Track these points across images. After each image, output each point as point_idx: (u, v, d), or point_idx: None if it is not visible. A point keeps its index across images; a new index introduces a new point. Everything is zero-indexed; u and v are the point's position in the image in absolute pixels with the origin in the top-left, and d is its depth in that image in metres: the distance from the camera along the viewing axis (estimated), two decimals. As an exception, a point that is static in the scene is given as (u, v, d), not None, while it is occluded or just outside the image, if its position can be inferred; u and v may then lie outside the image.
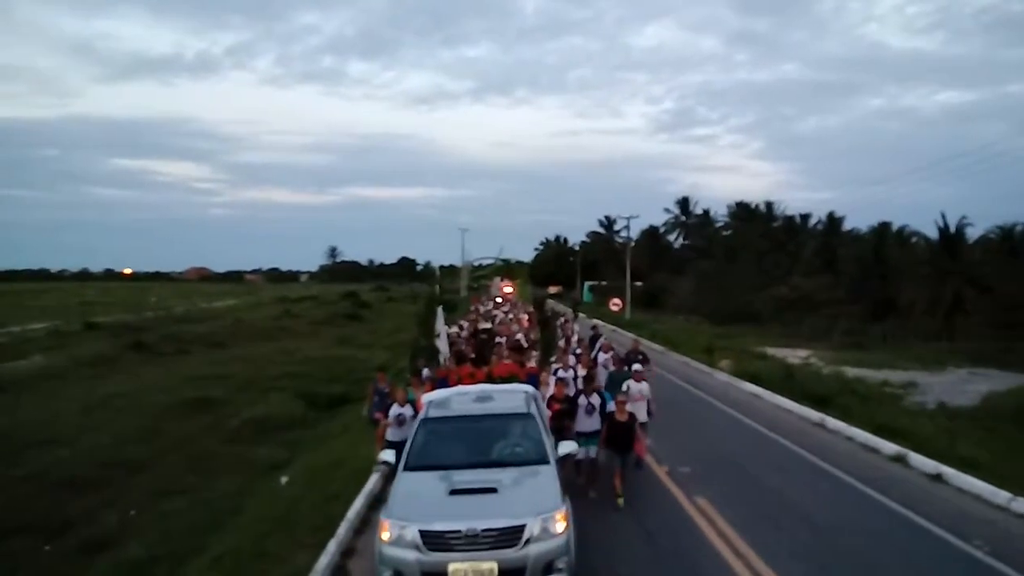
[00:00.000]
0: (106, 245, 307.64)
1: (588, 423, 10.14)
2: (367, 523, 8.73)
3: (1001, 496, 9.82)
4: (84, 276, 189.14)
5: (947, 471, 11.13)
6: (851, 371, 27.74)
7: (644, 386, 11.69)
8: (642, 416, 11.10)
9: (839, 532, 9.09)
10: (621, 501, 9.67)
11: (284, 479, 13.04)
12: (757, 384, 20.57)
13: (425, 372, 13.00)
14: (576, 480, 9.77)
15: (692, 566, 7.93)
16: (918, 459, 11.86)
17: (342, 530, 8.60)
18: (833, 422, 15.23)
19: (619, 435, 9.76)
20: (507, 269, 73.13)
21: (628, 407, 10.15)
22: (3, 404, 22.84)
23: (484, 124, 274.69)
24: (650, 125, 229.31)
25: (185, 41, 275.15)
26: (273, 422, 19.36)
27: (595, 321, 31.73)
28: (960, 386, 26.80)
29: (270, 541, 8.61)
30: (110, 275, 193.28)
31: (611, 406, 10.17)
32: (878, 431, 13.91)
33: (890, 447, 12.67)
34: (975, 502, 10.06)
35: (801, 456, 12.98)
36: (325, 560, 7.67)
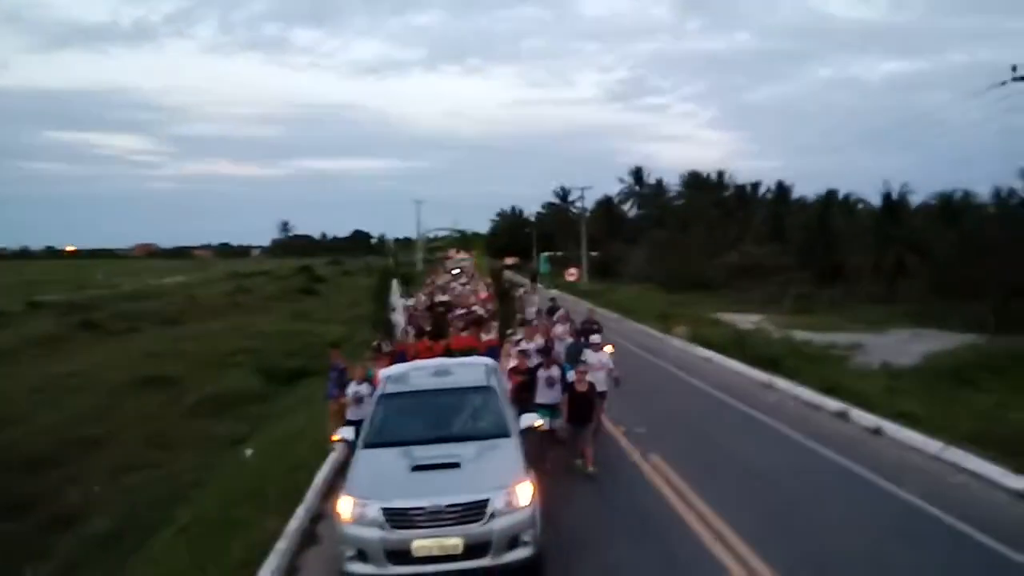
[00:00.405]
0: (46, 222, 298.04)
1: (548, 395, 10.06)
2: (334, 489, 8.91)
3: (933, 446, 10.49)
4: (24, 255, 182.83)
5: (886, 425, 11.78)
6: (800, 334, 28.62)
7: (603, 355, 11.56)
8: (602, 386, 10.89)
9: (783, 482, 9.65)
10: (593, 469, 9.68)
11: (248, 452, 13.13)
12: (708, 348, 21.18)
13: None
14: (543, 456, 9.42)
15: (646, 518, 8.33)
16: (859, 414, 12.52)
17: (310, 496, 8.79)
18: (780, 382, 15.89)
19: (581, 406, 9.73)
20: (463, 241, 73.17)
21: (588, 377, 10.06)
22: (-50, 386, 22.35)
23: (436, 94, 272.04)
24: (603, 94, 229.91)
25: (121, 8, 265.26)
26: (232, 397, 19.36)
27: (553, 292, 32.17)
28: (902, 347, 27.89)
29: (238, 509, 8.76)
30: (52, 253, 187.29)
31: (571, 376, 10.10)
32: (825, 391, 14.53)
33: (833, 404, 13.32)
34: (910, 452, 10.71)
35: (749, 415, 13.57)
36: (295, 524, 7.86)
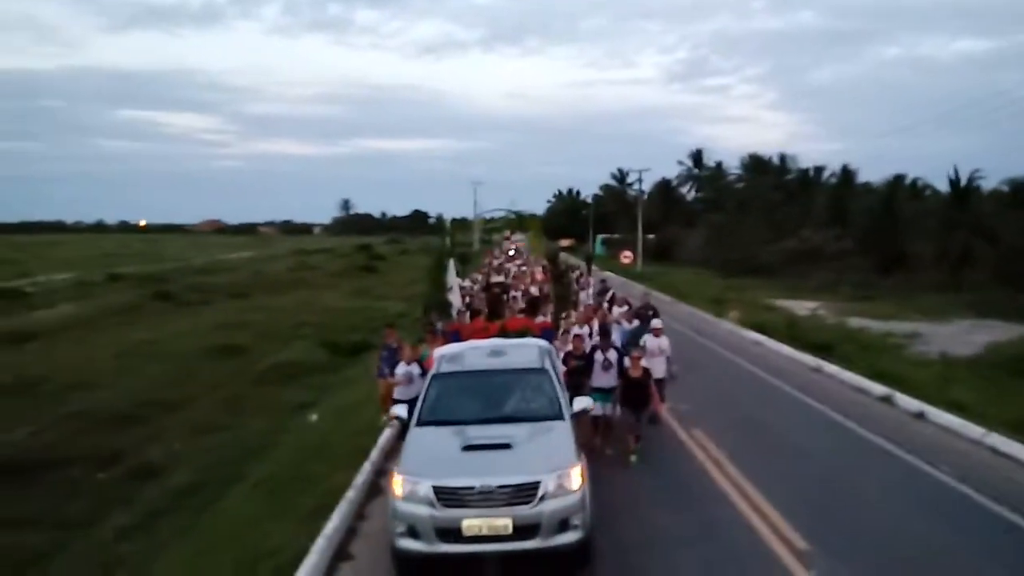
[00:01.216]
0: (118, 197, 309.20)
1: (605, 379, 9.91)
2: (396, 450, 9.57)
3: (975, 431, 10.66)
4: (99, 228, 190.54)
5: (929, 410, 11.95)
6: (856, 322, 28.41)
7: (663, 341, 11.33)
8: (660, 372, 10.74)
9: (820, 458, 10.07)
10: (634, 459, 9.64)
11: (314, 416, 14.02)
12: (762, 333, 21.34)
13: (438, 326, 12.60)
14: (594, 441, 9.61)
15: (687, 490, 8.80)
16: (903, 399, 12.69)
17: (375, 454, 9.52)
18: (829, 367, 16.05)
19: (634, 391, 9.59)
20: (519, 222, 73.57)
21: (645, 363, 9.90)
22: (37, 350, 24.04)
23: (494, 74, 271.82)
24: (663, 75, 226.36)
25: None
26: (298, 367, 20.38)
27: (605, 274, 32.38)
28: (963, 336, 27.46)
29: (308, 466, 9.58)
30: (125, 227, 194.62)
31: (627, 362, 9.90)
32: (875, 377, 14.67)
33: (879, 389, 13.50)
34: (951, 436, 10.91)
35: (794, 396, 13.89)
36: (362, 478, 8.59)
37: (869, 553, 7.00)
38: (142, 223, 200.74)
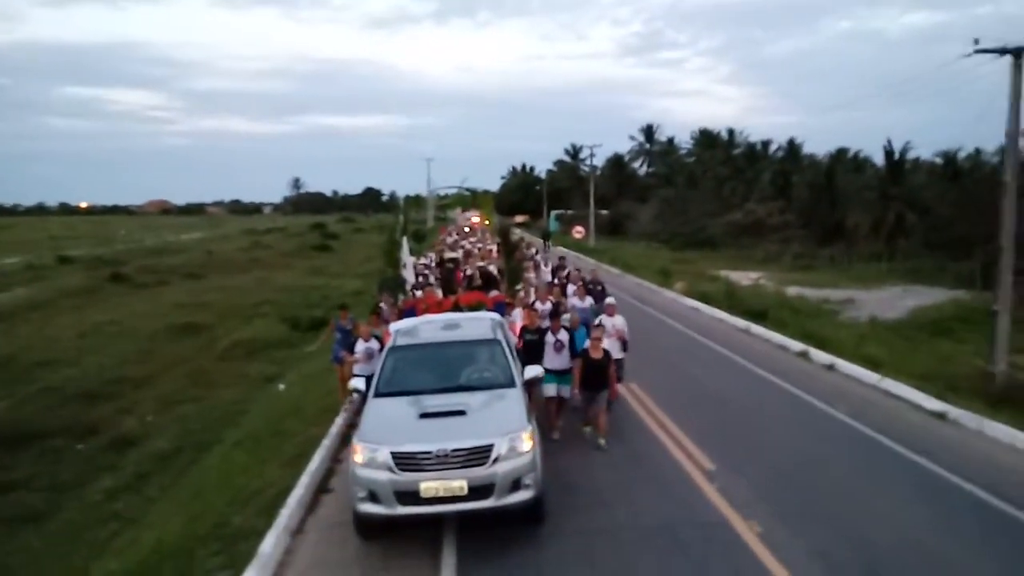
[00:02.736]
0: (60, 178, 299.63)
1: (557, 360, 9.79)
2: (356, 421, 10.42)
3: (872, 377, 12.13)
4: (40, 211, 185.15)
5: (838, 362, 13.40)
6: (796, 290, 30.14)
7: (618, 320, 11.15)
8: (617, 353, 10.62)
9: (735, 401, 11.52)
10: (603, 442, 9.45)
11: (281, 386, 14.87)
12: (704, 302, 22.70)
13: (383, 308, 12.17)
14: (549, 430, 9.53)
15: (618, 429, 9.88)
16: (818, 354, 14.16)
17: (343, 411, 10.47)
18: (756, 328, 17.47)
19: (594, 372, 9.43)
20: (472, 199, 74.26)
21: (604, 343, 9.79)
22: (1, 332, 24.24)
23: (447, 48, 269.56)
24: (617, 49, 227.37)
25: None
26: (260, 343, 21.08)
27: (561, 251, 33.39)
28: (893, 302, 29.43)
29: (283, 423, 10.51)
30: (66, 209, 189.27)
31: (586, 343, 9.80)
32: (803, 338, 16.08)
33: (797, 346, 14.96)
34: (853, 383, 12.42)
35: (721, 353, 15.38)
36: (334, 429, 9.54)
37: (761, 470, 8.42)
38: (83, 205, 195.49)
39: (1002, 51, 14.43)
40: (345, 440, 9.02)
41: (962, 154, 49.96)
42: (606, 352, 9.62)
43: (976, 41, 14.54)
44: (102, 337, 22.85)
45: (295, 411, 11.15)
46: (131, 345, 21.54)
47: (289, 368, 17.58)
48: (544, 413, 9.43)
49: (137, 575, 6.56)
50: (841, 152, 63.86)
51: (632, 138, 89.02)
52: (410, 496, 6.54)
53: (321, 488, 7.99)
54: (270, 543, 6.47)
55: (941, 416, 10.22)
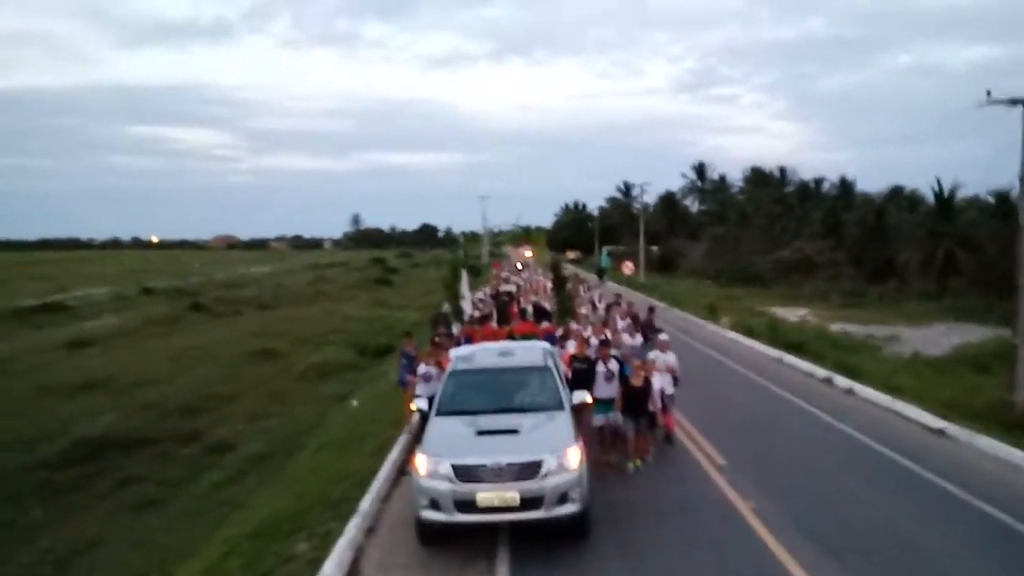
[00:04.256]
0: (131, 213, 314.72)
1: (607, 389, 10.14)
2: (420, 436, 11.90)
3: (886, 400, 13.36)
4: (114, 245, 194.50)
5: (856, 387, 14.64)
6: (840, 326, 30.98)
7: (670, 356, 11.45)
8: (668, 388, 11.02)
9: (754, 417, 13.07)
10: (631, 465, 9.95)
11: (355, 402, 16.71)
12: (746, 336, 23.90)
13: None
14: (600, 456, 9.98)
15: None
16: (841, 380, 15.42)
17: (406, 430, 12.09)
18: (789, 358, 18.71)
19: (634, 399, 9.92)
20: (525, 235, 76.39)
21: (657, 379, 10.40)
22: (97, 355, 26.88)
23: (503, 87, 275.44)
24: (671, 85, 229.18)
25: (201, 5, 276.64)
26: (332, 367, 23.10)
27: (615, 287, 34.87)
28: (938, 339, 29.96)
29: (361, 429, 12.28)
30: (139, 243, 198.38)
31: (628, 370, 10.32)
32: (838, 369, 17.27)
33: (822, 372, 16.22)
34: (868, 405, 13.73)
35: (750, 377, 16.92)
36: (406, 435, 11.18)
37: (764, 467, 9.97)
38: (154, 239, 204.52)
39: (1012, 101, 15.60)
40: (418, 440, 10.23)
41: (1015, 192, 49.83)
42: (647, 380, 10.12)
43: (988, 92, 15.75)
44: (189, 360, 25.20)
45: (370, 421, 12.92)
46: (215, 368, 23.79)
47: (359, 388, 19.45)
48: (594, 440, 9.98)
49: (259, 534, 8.28)
50: (895, 190, 64.08)
51: (684, 176, 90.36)
52: (468, 505, 7.25)
53: (401, 471, 9.70)
54: (367, 503, 8.20)
55: (940, 432, 11.46)
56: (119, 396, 19.99)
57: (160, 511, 11.85)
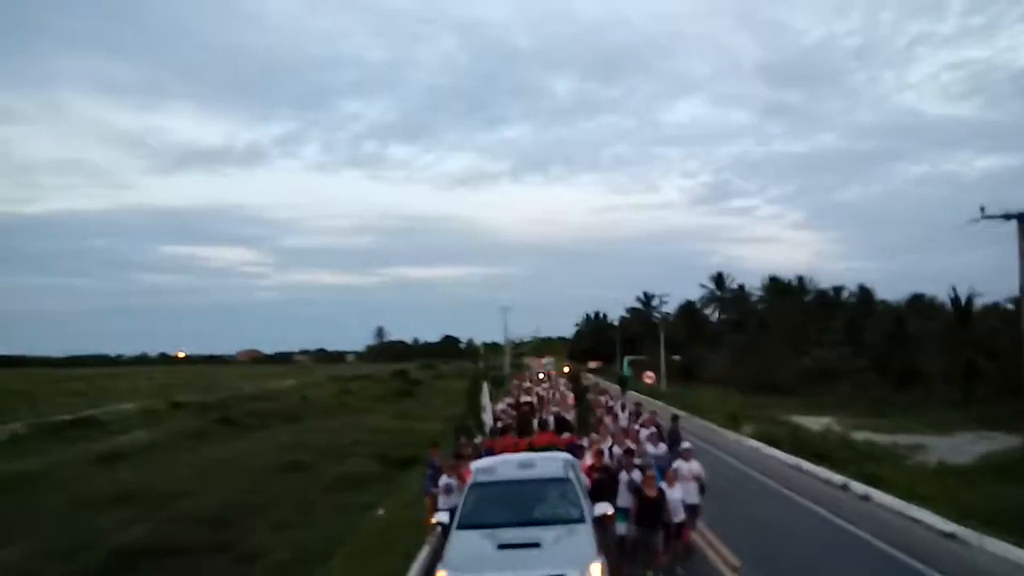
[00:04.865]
0: (157, 329, 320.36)
1: (631, 499, 10.20)
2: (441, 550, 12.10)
3: (900, 505, 13.67)
4: (142, 360, 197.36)
5: (874, 493, 14.92)
6: (865, 435, 30.95)
7: (694, 465, 11.45)
8: (693, 498, 11.00)
9: (769, 520, 13.59)
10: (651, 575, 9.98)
11: (381, 511, 17.13)
12: (768, 444, 24.11)
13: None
14: (623, 566, 9.94)
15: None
16: (856, 486, 15.71)
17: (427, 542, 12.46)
18: (807, 465, 19.00)
19: (648, 510, 9.88)
20: (546, 346, 77.08)
21: (678, 487, 10.43)
22: (129, 468, 27.50)
23: (522, 203, 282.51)
24: (687, 198, 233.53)
25: (235, 132, 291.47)
26: (358, 477, 23.51)
27: (635, 396, 35.25)
28: (963, 447, 29.82)
29: (388, 536, 12.75)
30: (166, 359, 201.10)
31: (662, 484, 10.34)
32: (859, 477, 17.49)
33: (839, 479, 16.47)
34: (881, 510, 14.10)
35: (767, 483, 17.55)
36: (433, 540, 11.66)
37: (777, 568, 10.44)
38: (181, 354, 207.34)
39: (1006, 216, 16.61)
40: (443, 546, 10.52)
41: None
42: (660, 491, 10.11)
43: (982, 209, 16.78)
44: (218, 472, 25.70)
45: (397, 528, 13.41)
46: (245, 479, 24.26)
47: (385, 498, 19.84)
48: (618, 550, 10.04)
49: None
50: (916, 297, 64.65)
51: (702, 286, 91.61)
52: None
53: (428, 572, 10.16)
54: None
55: (951, 536, 11.75)
56: (152, 508, 20.44)
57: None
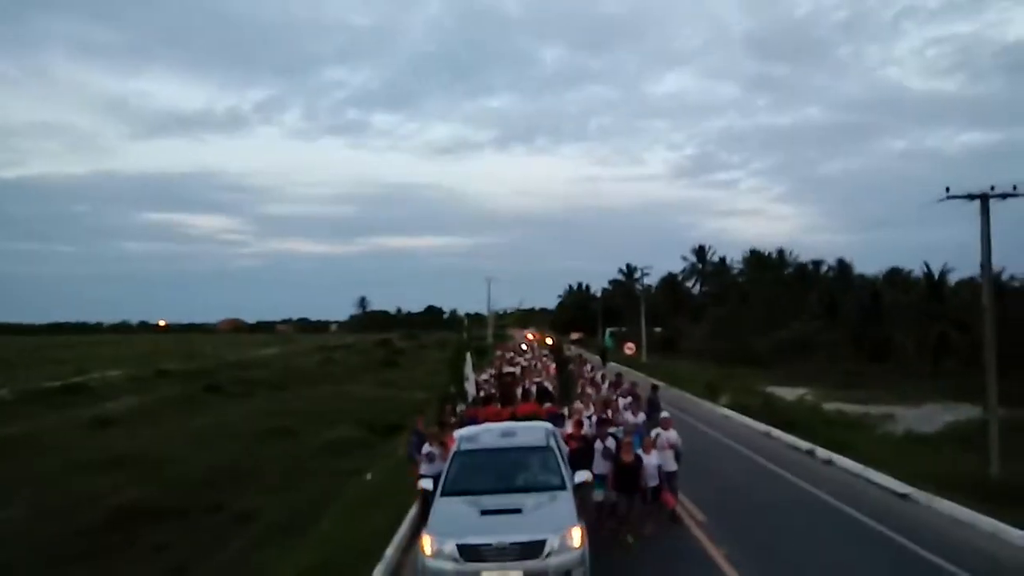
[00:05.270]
0: (138, 297, 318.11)
1: (605, 466, 10.56)
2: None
3: (858, 467, 14.58)
4: (123, 328, 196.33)
5: (837, 458, 15.82)
6: (837, 405, 32.03)
7: (672, 434, 11.80)
8: (671, 464, 11.34)
9: (736, 482, 14.53)
10: (630, 539, 10.31)
11: (368, 476, 17.81)
12: (741, 413, 25.00)
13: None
14: (600, 529, 10.31)
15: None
16: (821, 452, 16.59)
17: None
18: (776, 432, 19.88)
19: (625, 476, 10.24)
20: (529, 317, 77.86)
21: (654, 454, 10.76)
22: (120, 434, 28.02)
23: (506, 173, 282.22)
24: (672, 171, 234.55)
25: (216, 98, 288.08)
26: (344, 444, 24.18)
27: (617, 367, 36.10)
28: (931, 417, 31.00)
29: (379, 499, 13.43)
30: (146, 327, 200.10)
31: (639, 451, 10.73)
32: (828, 444, 18.37)
33: (806, 446, 17.38)
34: (843, 473, 14.98)
35: (737, 449, 18.45)
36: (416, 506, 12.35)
37: (738, 521, 11.35)
38: (162, 323, 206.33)
39: (970, 196, 17.23)
40: (416, 530, 10.62)
41: (1006, 274, 51.53)
42: (637, 457, 10.52)
43: (947, 189, 17.38)
44: (207, 438, 26.27)
45: (385, 491, 14.12)
46: (234, 445, 24.86)
47: (372, 464, 20.52)
48: (595, 517, 10.42)
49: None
50: (893, 271, 65.95)
51: (684, 259, 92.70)
52: None
53: (415, 531, 10.83)
54: (390, 552, 9.49)
55: (904, 496, 12.63)
56: (144, 471, 21.02)
57: (196, 573, 12.90)
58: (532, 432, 9.94)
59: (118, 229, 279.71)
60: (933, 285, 49.89)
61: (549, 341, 52.12)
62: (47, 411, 33.21)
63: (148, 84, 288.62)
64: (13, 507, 17.35)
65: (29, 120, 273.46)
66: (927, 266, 50.36)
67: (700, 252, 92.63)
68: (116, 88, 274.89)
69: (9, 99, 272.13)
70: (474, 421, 12.26)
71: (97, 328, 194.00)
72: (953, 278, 52.33)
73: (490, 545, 7.59)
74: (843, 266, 73.35)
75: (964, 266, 53.38)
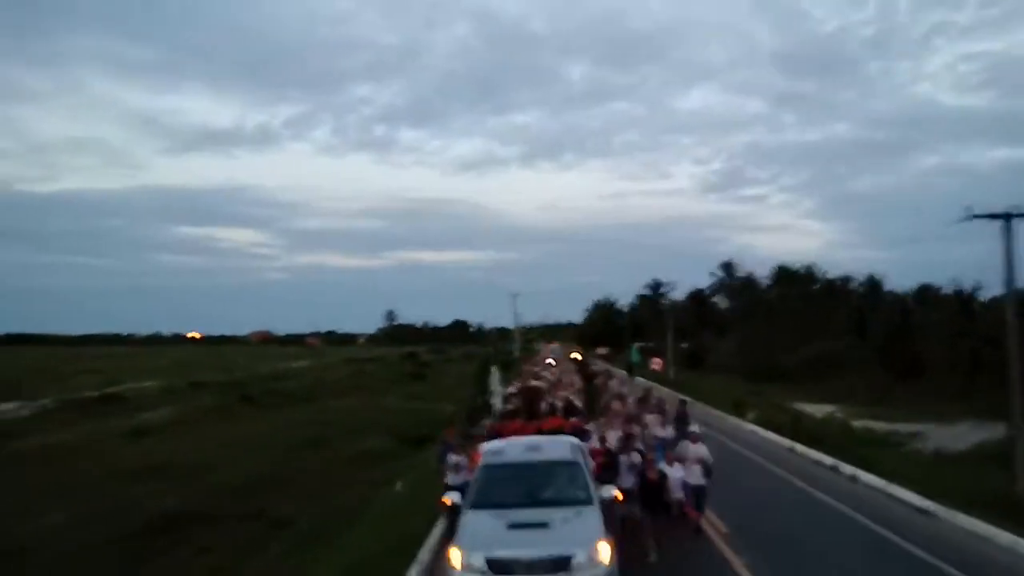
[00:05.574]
0: (170, 309, 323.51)
1: (628, 480, 10.57)
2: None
3: (880, 483, 14.77)
4: (156, 340, 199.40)
5: (861, 474, 15.94)
6: (866, 423, 31.93)
7: (702, 448, 11.78)
8: (699, 479, 11.32)
9: (758, 494, 14.77)
10: (653, 556, 10.15)
11: (399, 485, 18.31)
12: (771, 430, 25.04)
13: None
14: (624, 543, 9.77)
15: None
16: (846, 468, 16.73)
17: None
18: (800, 448, 20.03)
19: (650, 493, 10.31)
20: (555, 331, 78.09)
21: (678, 467, 10.93)
22: (158, 442, 28.87)
23: (532, 188, 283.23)
24: (699, 186, 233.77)
25: (247, 114, 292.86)
26: (376, 454, 24.79)
27: (643, 382, 36.28)
28: (961, 436, 30.74)
29: (410, 507, 13.91)
30: (178, 339, 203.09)
31: (663, 465, 10.88)
32: (854, 461, 18.41)
33: (830, 461, 17.52)
34: (865, 488, 15.13)
35: (761, 463, 18.56)
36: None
37: (762, 535, 11.49)
38: (195, 335, 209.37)
39: (992, 216, 17.35)
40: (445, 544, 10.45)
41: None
42: (662, 473, 10.60)
43: (970, 208, 17.52)
44: (243, 448, 27.04)
45: (415, 500, 14.58)
46: (269, 454, 25.57)
47: (403, 474, 21.03)
48: (619, 531, 10.05)
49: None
50: (924, 288, 65.24)
51: (712, 274, 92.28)
52: None
53: (447, 536, 11.23)
54: (425, 552, 9.97)
55: (925, 511, 12.81)
56: (183, 479, 21.78)
57: (237, 575, 13.47)
58: (558, 446, 10.02)
59: (151, 243, 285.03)
60: (963, 301, 49.29)
61: (576, 356, 52.38)
62: (86, 420, 34.27)
63: (180, 101, 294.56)
64: (58, 512, 18.10)
65: (64, 136, 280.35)
66: (957, 282, 49.83)
67: (728, 267, 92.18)
68: (149, 104, 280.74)
69: (45, 115, 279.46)
70: (499, 435, 12.21)
71: (130, 340, 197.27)
72: (985, 295, 51.67)
73: (519, 559, 7.69)
74: (873, 282, 72.64)
75: (993, 283, 52.77)
